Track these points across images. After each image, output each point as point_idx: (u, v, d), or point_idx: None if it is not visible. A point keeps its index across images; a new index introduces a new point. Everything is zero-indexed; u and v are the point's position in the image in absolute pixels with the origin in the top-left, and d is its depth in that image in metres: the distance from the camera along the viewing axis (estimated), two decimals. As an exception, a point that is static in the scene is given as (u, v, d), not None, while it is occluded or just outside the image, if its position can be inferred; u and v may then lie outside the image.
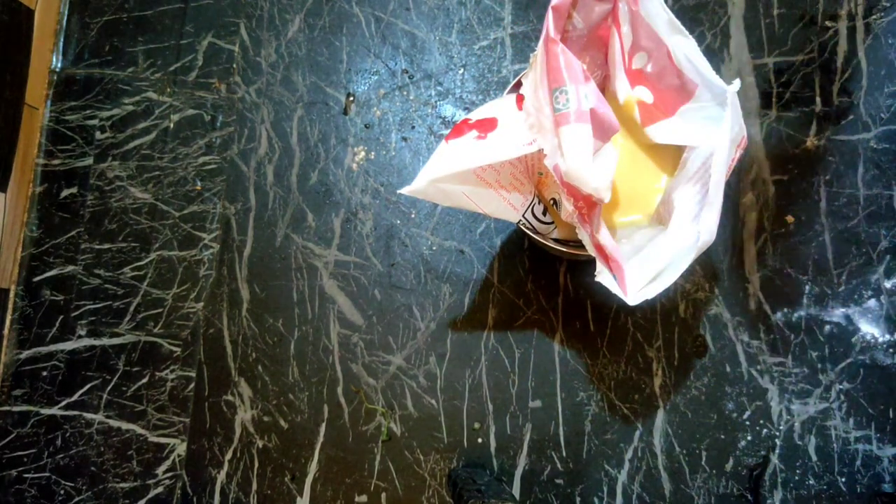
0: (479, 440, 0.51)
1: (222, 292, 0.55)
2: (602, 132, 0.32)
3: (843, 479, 0.48)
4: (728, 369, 0.49)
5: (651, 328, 0.50)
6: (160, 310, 0.55)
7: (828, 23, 0.51)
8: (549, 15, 0.33)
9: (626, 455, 0.50)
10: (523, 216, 0.38)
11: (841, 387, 0.48)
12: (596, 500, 0.50)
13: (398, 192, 0.38)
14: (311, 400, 0.53)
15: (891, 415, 0.48)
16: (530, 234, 0.40)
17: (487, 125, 0.35)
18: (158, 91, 0.58)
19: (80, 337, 0.56)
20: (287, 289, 0.54)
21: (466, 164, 0.34)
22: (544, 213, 0.39)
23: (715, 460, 0.49)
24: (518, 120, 0.35)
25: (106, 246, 0.56)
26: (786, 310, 0.49)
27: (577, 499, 0.50)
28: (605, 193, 0.32)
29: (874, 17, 0.51)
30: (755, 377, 0.49)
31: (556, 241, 0.40)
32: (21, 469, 0.55)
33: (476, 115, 0.36)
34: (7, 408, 0.56)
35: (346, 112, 0.56)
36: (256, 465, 0.53)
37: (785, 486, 0.49)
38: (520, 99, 0.35)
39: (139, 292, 0.56)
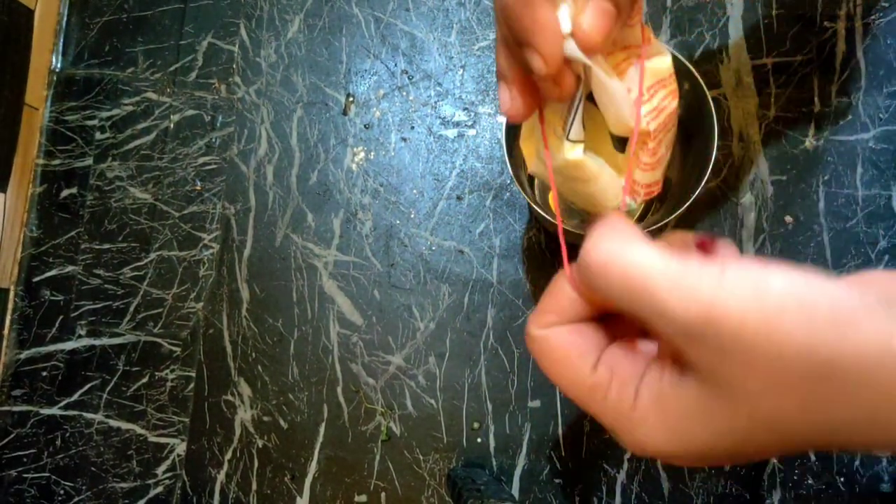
0: (479, 440, 0.51)
1: (222, 292, 0.55)
2: None
3: (842, 479, 0.48)
4: (727, 369, 0.49)
5: (650, 328, 0.50)
6: (160, 310, 0.55)
7: (826, 23, 0.51)
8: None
9: (624, 454, 0.50)
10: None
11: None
12: (595, 499, 0.50)
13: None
14: (310, 400, 0.53)
15: (889, 414, 0.48)
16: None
17: None
18: (158, 91, 0.58)
19: (79, 337, 0.56)
20: (287, 289, 0.54)
21: None
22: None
23: (714, 460, 0.49)
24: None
25: (106, 246, 0.56)
26: (784, 310, 0.49)
27: (577, 498, 0.50)
28: None
29: (873, 17, 0.51)
30: (754, 377, 0.49)
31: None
32: (21, 469, 0.55)
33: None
34: (7, 408, 0.56)
35: (345, 112, 0.56)
36: (256, 464, 0.53)
37: (784, 486, 0.49)
38: None
39: (139, 292, 0.56)
